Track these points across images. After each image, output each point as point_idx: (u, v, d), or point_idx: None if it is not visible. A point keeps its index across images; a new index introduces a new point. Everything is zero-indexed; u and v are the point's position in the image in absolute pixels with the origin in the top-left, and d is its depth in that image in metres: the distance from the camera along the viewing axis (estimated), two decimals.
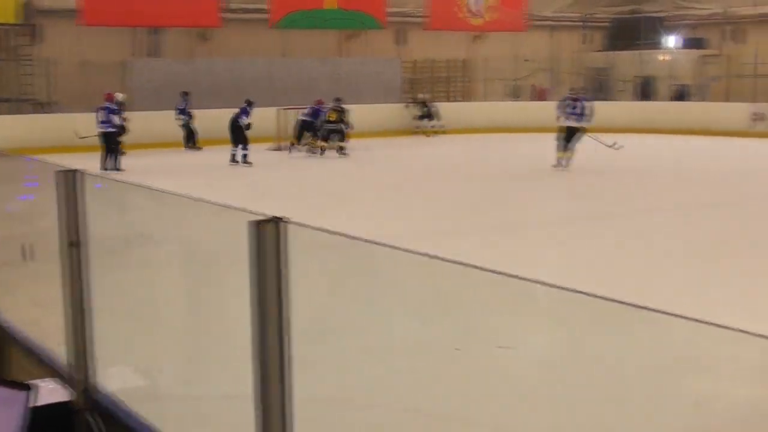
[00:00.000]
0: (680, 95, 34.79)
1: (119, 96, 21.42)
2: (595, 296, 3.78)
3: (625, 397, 4.78)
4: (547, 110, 22.61)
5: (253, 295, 2.87)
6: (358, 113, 24.82)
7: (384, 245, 4.25)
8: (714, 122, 29.34)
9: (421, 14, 33.26)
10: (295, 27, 30.26)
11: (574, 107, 20.66)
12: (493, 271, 3.82)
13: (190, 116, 24.73)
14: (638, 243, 11.89)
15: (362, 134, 25.06)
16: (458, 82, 35.17)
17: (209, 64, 28.58)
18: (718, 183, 17.91)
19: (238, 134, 21.45)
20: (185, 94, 24.91)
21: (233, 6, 29.81)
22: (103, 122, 19.90)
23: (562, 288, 3.61)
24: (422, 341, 5.45)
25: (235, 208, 4.51)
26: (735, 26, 36.08)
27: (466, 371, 5.03)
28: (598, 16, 38.68)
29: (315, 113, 23.78)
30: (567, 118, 20.49)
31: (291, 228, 2.98)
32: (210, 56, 29.42)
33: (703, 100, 34.17)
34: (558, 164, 20.14)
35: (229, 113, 22.67)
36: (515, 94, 35.31)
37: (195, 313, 5.65)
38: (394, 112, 25.04)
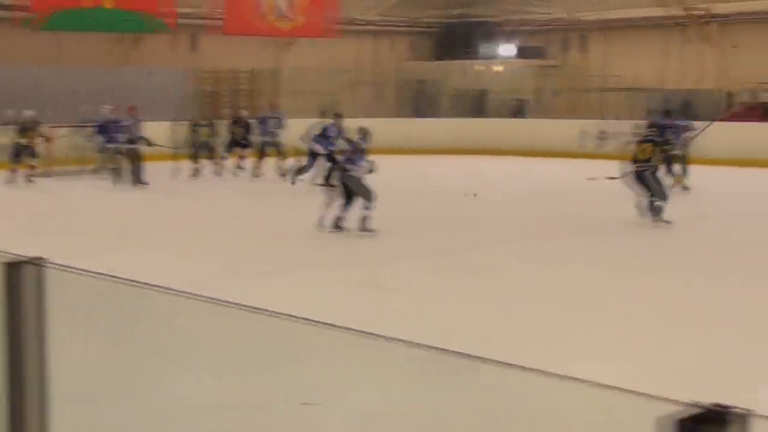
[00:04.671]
0: (518, 111, 35.84)
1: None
2: (422, 346, 3.87)
3: None
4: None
5: (5, 351, 2.80)
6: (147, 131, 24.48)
7: (170, 291, 4.25)
8: (556, 141, 30.27)
9: (218, 16, 33.05)
10: (64, 29, 29.60)
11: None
12: (300, 318, 3.88)
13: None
14: (464, 284, 12.07)
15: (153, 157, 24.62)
16: (265, 95, 35.23)
17: None
18: (555, 212, 18.36)
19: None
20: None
21: None
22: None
23: (380, 336, 3.68)
24: (217, 401, 5.42)
25: None
26: (578, 34, 37.39)
27: (268, 429, 5.05)
28: (426, 20, 39.26)
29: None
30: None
31: (54, 272, 2.92)
32: None
33: (544, 116, 35.31)
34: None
35: None
36: (333, 110, 35.32)
37: None
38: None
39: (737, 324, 9.93)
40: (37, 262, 2.90)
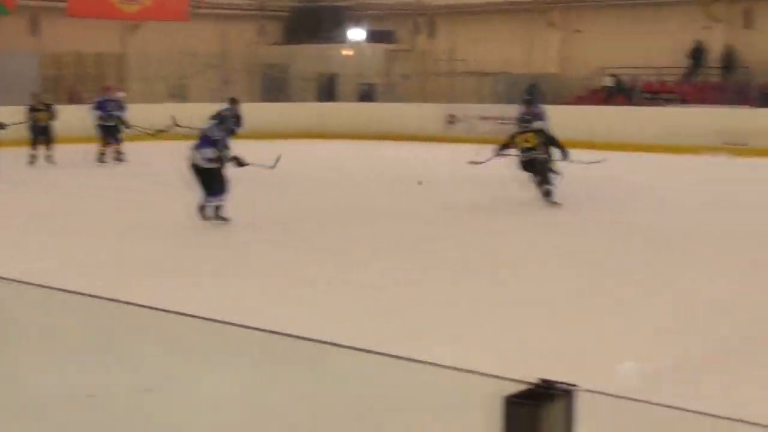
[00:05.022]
0: (367, 95, 36.05)
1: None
2: (277, 333, 3.86)
3: None
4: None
5: None
6: None
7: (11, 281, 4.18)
8: (405, 125, 30.58)
9: None
10: None
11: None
12: (141, 306, 3.85)
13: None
14: (302, 268, 12.03)
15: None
16: (112, 80, 34.65)
17: None
18: (399, 194, 18.48)
19: None
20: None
21: None
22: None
23: (233, 324, 3.66)
24: (64, 391, 5.32)
25: None
26: (427, 19, 37.76)
27: (107, 418, 4.98)
28: (274, 4, 39.18)
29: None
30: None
31: None
32: None
33: (393, 100, 35.59)
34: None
35: None
36: (181, 95, 34.95)
37: None
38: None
39: (620, 307, 10.23)
40: None
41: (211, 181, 13.99)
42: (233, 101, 20.90)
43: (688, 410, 3.23)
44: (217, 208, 14.09)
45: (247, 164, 14.56)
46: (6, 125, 21.41)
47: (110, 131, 23.71)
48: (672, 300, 10.47)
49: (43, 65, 32.19)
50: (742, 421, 3.25)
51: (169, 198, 15.86)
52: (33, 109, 23.19)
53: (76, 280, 10.14)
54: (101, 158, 23.45)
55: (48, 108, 23.35)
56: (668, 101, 30.37)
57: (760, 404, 6.91)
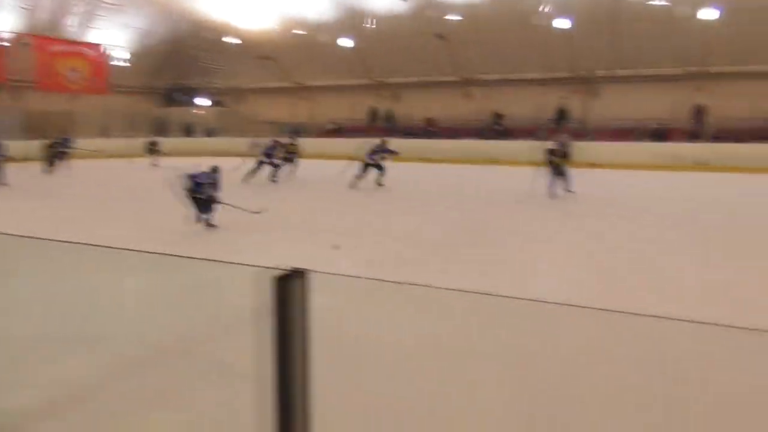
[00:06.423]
0: (210, 133, 35.92)
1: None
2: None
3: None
4: None
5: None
6: None
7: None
8: (225, 150, 30.41)
9: (35, 79, 30.93)
10: None
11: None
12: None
13: None
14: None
15: None
16: (69, 126, 33.15)
17: None
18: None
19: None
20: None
21: None
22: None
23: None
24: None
25: None
26: (236, 94, 37.48)
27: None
28: (157, 85, 38.28)
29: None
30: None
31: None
32: None
33: (222, 135, 34.64)
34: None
35: None
36: (105, 134, 33.65)
37: None
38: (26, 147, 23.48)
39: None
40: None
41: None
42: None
43: (383, 280, 3.28)
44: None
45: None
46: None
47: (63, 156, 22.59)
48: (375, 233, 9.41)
49: (26, 120, 30.54)
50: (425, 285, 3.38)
51: None
52: (55, 143, 22.17)
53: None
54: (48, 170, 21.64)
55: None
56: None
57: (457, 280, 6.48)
